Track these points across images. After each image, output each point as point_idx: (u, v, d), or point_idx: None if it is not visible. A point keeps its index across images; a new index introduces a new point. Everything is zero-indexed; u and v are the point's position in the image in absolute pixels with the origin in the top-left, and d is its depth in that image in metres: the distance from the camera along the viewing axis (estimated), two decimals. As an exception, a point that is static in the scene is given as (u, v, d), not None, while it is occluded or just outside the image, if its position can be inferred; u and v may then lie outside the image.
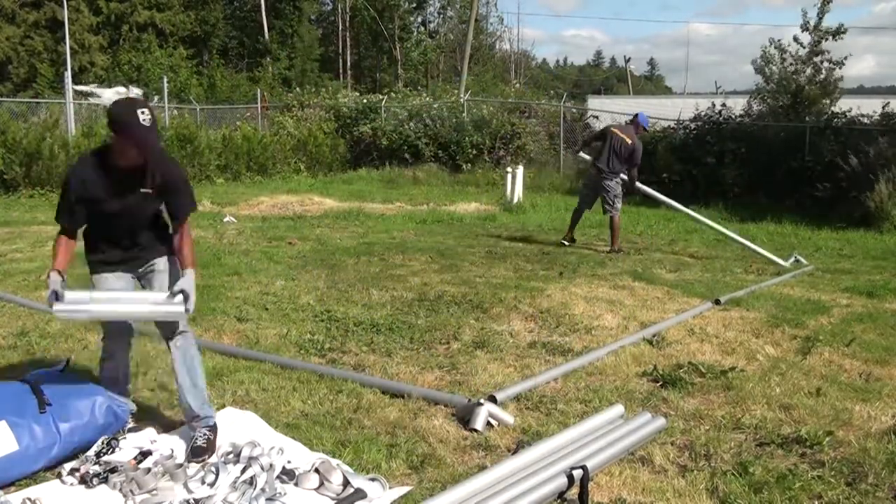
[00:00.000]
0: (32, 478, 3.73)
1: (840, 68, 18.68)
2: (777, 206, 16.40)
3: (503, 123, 23.00)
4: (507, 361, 5.72)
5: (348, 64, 50.75)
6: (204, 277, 8.46)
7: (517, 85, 38.48)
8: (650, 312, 7.25)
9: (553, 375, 5.28)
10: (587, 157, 11.04)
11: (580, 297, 7.74)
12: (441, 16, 54.68)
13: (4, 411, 3.79)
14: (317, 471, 3.67)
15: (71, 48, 31.94)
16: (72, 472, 3.70)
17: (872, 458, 4.00)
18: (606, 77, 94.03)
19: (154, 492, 3.54)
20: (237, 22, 48.00)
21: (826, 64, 18.71)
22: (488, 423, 4.40)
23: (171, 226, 4.30)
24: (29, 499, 3.42)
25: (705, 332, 6.58)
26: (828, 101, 18.79)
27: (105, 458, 3.79)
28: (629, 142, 10.94)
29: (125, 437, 4.02)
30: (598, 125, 24.40)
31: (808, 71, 18.83)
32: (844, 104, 18.45)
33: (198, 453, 3.88)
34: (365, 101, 26.08)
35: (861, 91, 41.63)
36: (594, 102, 34.15)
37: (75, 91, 20.86)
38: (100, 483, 3.62)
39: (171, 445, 3.96)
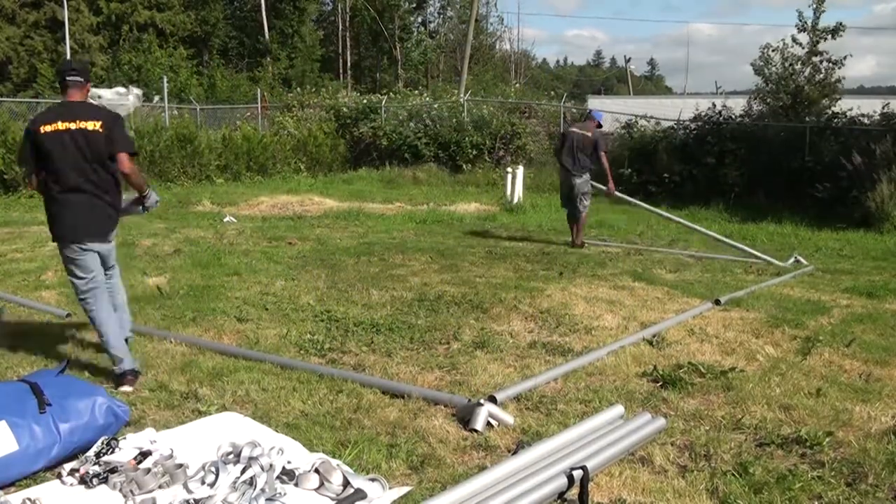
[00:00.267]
0: (32, 478, 3.74)
1: (839, 68, 18.68)
2: (777, 206, 16.38)
3: (503, 123, 23.00)
4: (507, 362, 5.72)
5: (348, 64, 50.71)
6: (204, 277, 8.48)
7: (517, 85, 38.45)
8: (650, 313, 7.25)
9: (553, 376, 5.28)
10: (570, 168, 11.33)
11: (580, 297, 7.74)
12: (441, 16, 54.78)
13: (4, 412, 3.79)
14: (317, 471, 3.67)
15: (71, 48, 31.98)
16: (72, 472, 3.70)
17: (872, 458, 4.00)
18: (606, 77, 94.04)
19: (154, 492, 3.55)
20: (237, 22, 47.95)
21: (825, 64, 18.70)
22: (488, 424, 4.40)
23: None
24: (29, 499, 3.42)
25: (705, 332, 6.57)
26: (827, 102, 18.78)
27: (105, 458, 3.79)
28: (589, 135, 11.32)
29: (125, 438, 4.02)
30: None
31: (808, 71, 18.82)
32: (845, 104, 18.43)
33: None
34: (365, 101, 26.08)
35: (861, 91, 41.65)
36: (594, 102, 34.12)
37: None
38: (100, 483, 3.62)
39: (171, 446, 3.95)
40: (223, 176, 20.98)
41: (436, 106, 24.72)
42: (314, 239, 11.58)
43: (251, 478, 3.59)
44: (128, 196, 5.56)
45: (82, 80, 5.21)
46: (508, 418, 4.48)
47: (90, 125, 5.00)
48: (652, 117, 21.11)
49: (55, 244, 5.18)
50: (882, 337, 6.52)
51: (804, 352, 5.98)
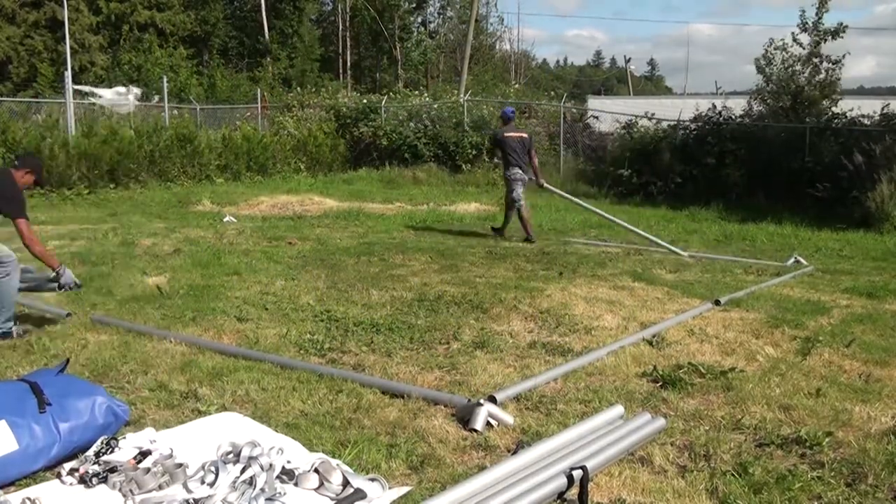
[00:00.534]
0: (32, 477, 3.74)
1: (839, 68, 18.66)
2: (777, 206, 16.38)
3: (503, 123, 22.99)
4: (506, 362, 5.72)
5: (348, 64, 50.70)
6: (204, 277, 8.48)
7: (517, 85, 38.45)
8: (650, 313, 7.25)
9: (553, 376, 5.28)
10: (518, 170, 12.09)
11: (580, 297, 7.74)
12: (441, 16, 54.74)
13: (4, 411, 3.79)
14: (316, 471, 3.67)
15: (71, 48, 31.91)
16: (71, 471, 3.70)
17: (872, 458, 4.00)
18: (606, 77, 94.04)
19: (153, 491, 3.55)
20: (237, 22, 47.93)
21: (825, 64, 18.69)
22: (488, 424, 4.40)
23: None
24: (28, 498, 3.42)
25: (705, 332, 6.57)
26: (828, 102, 18.78)
27: (104, 457, 3.79)
28: (525, 136, 12.25)
29: (125, 437, 4.02)
30: (598, 125, 24.45)
31: (808, 71, 18.82)
32: (845, 105, 18.43)
33: None
34: (365, 101, 26.10)
35: (861, 92, 41.61)
36: (594, 103, 34.11)
37: (75, 91, 20.86)
38: (99, 483, 3.62)
39: (171, 445, 3.95)
40: (223, 176, 20.99)
41: (435, 106, 24.74)
42: (314, 239, 11.59)
43: (251, 477, 3.59)
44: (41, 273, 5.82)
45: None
46: (508, 418, 4.48)
47: None
48: (653, 115, 21.10)
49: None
50: (882, 337, 6.53)
51: (804, 352, 5.98)
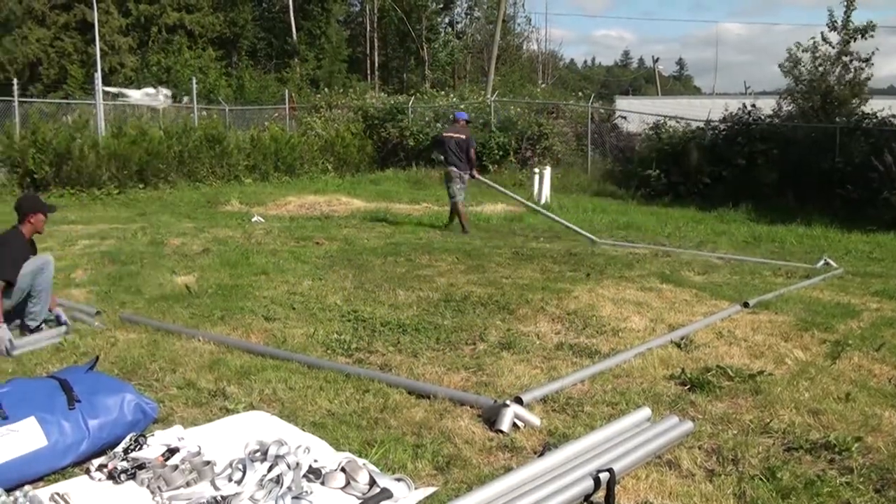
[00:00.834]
0: (61, 473, 3.78)
1: (869, 67, 18.46)
2: (806, 207, 16.25)
3: (530, 124, 22.98)
4: (533, 363, 5.71)
5: (376, 65, 50.79)
6: (232, 277, 8.54)
7: (544, 85, 38.38)
8: (678, 315, 7.20)
9: (580, 377, 5.26)
10: (453, 168, 12.98)
11: (607, 298, 7.71)
12: (468, 16, 54.69)
13: (34, 407, 3.84)
14: (343, 470, 3.68)
15: (101, 50, 32.26)
16: (100, 467, 3.73)
17: (903, 464, 3.96)
18: (634, 77, 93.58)
19: (181, 488, 3.57)
20: (265, 23, 48.18)
21: (855, 63, 18.50)
22: (514, 425, 4.39)
23: None
24: (57, 493, 3.46)
25: (734, 335, 6.52)
26: (857, 102, 18.59)
27: (133, 454, 3.82)
28: (462, 136, 12.92)
29: (153, 434, 4.05)
30: (626, 126, 24.36)
31: (838, 71, 18.63)
32: (875, 105, 18.25)
33: None
34: (392, 101, 26.16)
35: (891, 91, 41.07)
36: (622, 103, 34.01)
37: (105, 92, 21.08)
38: (128, 479, 3.65)
39: (199, 443, 3.98)
40: (251, 176, 21.14)
41: (462, 107, 24.74)
42: (341, 239, 11.62)
43: (278, 476, 3.61)
44: None
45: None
46: (535, 420, 4.47)
47: None
48: (682, 118, 20.97)
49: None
50: (913, 341, 6.44)
51: (833, 356, 5.92)
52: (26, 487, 3.53)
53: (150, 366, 5.39)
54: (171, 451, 3.85)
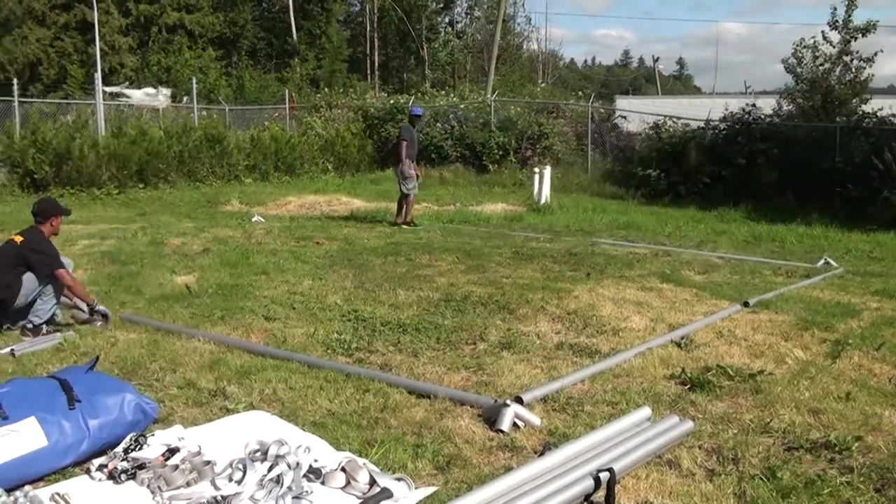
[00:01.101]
0: (61, 473, 3.78)
1: (870, 66, 18.45)
2: (807, 207, 16.23)
3: (530, 124, 22.99)
4: (533, 362, 5.71)
5: (376, 65, 50.78)
6: (232, 276, 8.54)
7: (544, 85, 38.39)
8: (678, 314, 7.20)
9: (580, 377, 5.26)
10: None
11: (608, 298, 7.71)
12: (468, 16, 54.74)
13: (34, 407, 3.84)
14: (343, 470, 3.68)
15: (101, 50, 32.27)
16: (100, 467, 3.73)
17: (903, 463, 3.96)
18: (635, 77, 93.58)
19: (181, 488, 3.57)
20: (266, 23, 48.16)
21: (856, 62, 18.49)
22: (514, 425, 4.39)
23: None
24: (58, 493, 3.46)
25: (734, 334, 6.52)
26: (858, 101, 18.58)
27: (133, 454, 3.82)
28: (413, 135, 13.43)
29: (153, 434, 4.05)
30: (626, 125, 24.36)
31: (838, 70, 18.63)
32: (875, 104, 18.25)
33: None
34: (392, 101, 26.16)
35: (891, 91, 41.06)
36: (622, 103, 34.01)
37: (105, 92, 21.09)
38: (128, 479, 3.65)
39: (199, 443, 3.98)
40: (251, 176, 21.14)
41: (462, 106, 24.76)
42: (341, 239, 11.63)
43: (278, 476, 3.61)
44: None
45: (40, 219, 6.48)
46: (535, 419, 4.47)
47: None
48: (682, 118, 20.97)
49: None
50: (913, 340, 6.44)
51: (833, 355, 5.92)
52: (27, 487, 3.53)
53: (150, 366, 5.39)
54: (172, 451, 3.85)
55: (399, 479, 3.66)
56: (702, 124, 20.27)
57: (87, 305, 6.43)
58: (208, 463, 3.75)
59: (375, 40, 50.84)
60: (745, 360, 5.80)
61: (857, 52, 18.44)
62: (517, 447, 4.16)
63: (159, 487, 3.56)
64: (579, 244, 11.54)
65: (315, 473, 3.69)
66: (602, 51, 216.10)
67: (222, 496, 3.49)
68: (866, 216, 14.81)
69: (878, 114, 17.78)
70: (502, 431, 4.32)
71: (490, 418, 4.47)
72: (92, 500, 3.51)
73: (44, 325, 6.22)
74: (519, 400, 4.60)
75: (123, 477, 3.65)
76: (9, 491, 3.48)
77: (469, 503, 3.32)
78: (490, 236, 12.36)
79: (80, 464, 3.84)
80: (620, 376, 5.38)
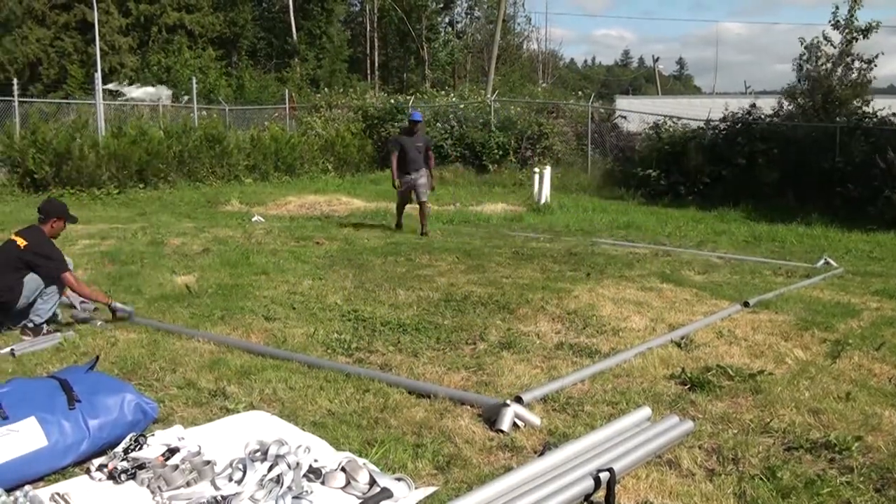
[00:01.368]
0: (61, 473, 3.78)
1: (872, 68, 18.44)
2: (807, 207, 16.23)
3: (530, 124, 22.99)
4: (533, 362, 5.71)
5: (376, 64, 50.78)
6: (232, 276, 8.54)
7: (544, 85, 38.40)
8: (678, 314, 7.20)
9: (580, 377, 5.26)
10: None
11: (608, 298, 7.70)
12: (468, 16, 54.77)
13: (34, 407, 3.84)
14: (343, 469, 3.68)
15: (101, 49, 32.28)
16: (100, 467, 3.73)
17: (903, 463, 3.96)
18: (635, 77, 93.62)
19: (181, 488, 3.57)
20: (266, 23, 48.16)
21: (857, 63, 18.48)
22: (514, 425, 4.39)
23: None
24: (58, 493, 3.46)
25: (734, 334, 6.52)
26: (859, 102, 18.57)
27: (133, 454, 3.82)
28: (420, 144, 12.80)
29: (153, 434, 4.05)
30: (626, 125, 24.35)
31: (840, 71, 18.62)
32: (876, 104, 18.24)
33: None
34: (392, 101, 26.16)
35: (892, 91, 41.06)
36: (622, 103, 34.00)
37: (105, 91, 21.09)
38: (128, 479, 3.65)
39: (199, 443, 3.98)
40: (251, 176, 21.14)
41: (462, 106, 24.76)
42: (341, 239, 11.63)
43: (278, 475, 3.61)
44: None
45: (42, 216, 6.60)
46: (535, 419, 4.47)
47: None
48: (682, 118, 20.96)
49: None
50: (913, 340, 6.44)
51: (833, 355, 5.92)
52: (26, 487, 3.53)
53: (150, 366, 5.39)
54: (172, 451, 3.85)
55: (399, 479, 3.66)
56: (702, 124, 20.25)
57: (105, 305, 6.51)
58: (208, 463, 3.75)
59: (375, 40, 50.84)
60: (745, 360, 5.80)
61: (859, 54, 18.43)
62: (517, 447, 4.16)
63: (159, 487, 3.56)
64: (579, 244, 11.54)
65: (315, 473, 3.69)
66: (602, 51, 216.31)
67: (222, 496, 3.49)
68: (866, 216, 14.81)
69: (879, 114, 17.77)
70: (502, 431, 4.32)
71: (490, 418, 4.47)
72: (92, 500, 3.51)
73: (44, 325, 6.23)
74: (519, 400, 4.60)
75: (123, 477, 3.65)
76: (9, 491, 3.48)
77: (469, 503, 3.32)
78: (490, 236, 12.36)
79: (80, 464, 3.84)
80: (620, 376, 5.38)
